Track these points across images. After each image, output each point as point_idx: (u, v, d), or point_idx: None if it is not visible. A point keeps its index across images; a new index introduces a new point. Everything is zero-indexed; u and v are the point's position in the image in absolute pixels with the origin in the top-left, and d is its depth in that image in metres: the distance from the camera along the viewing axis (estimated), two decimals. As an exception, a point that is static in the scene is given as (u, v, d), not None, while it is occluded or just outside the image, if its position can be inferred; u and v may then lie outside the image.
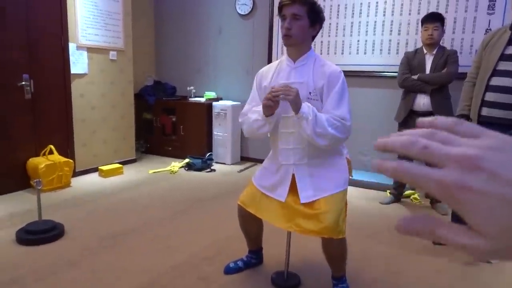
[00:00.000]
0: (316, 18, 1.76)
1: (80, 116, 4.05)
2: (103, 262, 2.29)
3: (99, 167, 4.16)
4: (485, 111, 2.29)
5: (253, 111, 1.87)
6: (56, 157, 3.66)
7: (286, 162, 1.85)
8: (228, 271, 2.21)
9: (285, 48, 1.93)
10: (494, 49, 2.29)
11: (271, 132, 1.89)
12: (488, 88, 2.26)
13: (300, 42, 1.77)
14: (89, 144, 4.19)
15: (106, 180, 3.98)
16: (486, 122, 2.25)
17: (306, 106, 1.66)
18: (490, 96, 2.26)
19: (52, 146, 3.67)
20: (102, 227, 2.79)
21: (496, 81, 2.25)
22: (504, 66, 2.23)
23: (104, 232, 2.69)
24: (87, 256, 2.36)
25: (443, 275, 2.25)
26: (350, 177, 1.95)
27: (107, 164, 4.26)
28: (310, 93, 1.76)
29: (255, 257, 2.30)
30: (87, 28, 4.02)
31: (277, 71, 1.88)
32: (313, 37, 1.84)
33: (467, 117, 2.39)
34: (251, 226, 2.13)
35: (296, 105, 1.65)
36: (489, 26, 3.55)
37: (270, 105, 1.71)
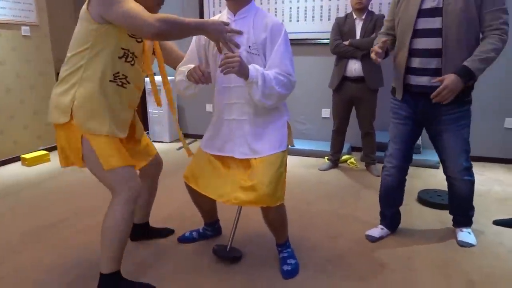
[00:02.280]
0: None
1: (-7, 101, 3.64)
2: (28, 259, 2.10)
3: (22, 156, 3.80)
4: (412, 79, 1.97)
5: (180, 71, 1.81)
6: (-33, 148, 3.29)
7: (228, 117, 1.81)
8: (181, 239, 2.23)
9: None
10: (409, 4, 1.92)
11: (214, 85, 1.84)
12: (411, 52, 1.93)
13: None
14: (7, 131, 3.79)
15: (31, 169, 3.66)
16: (414, 92, 1.99)
17: (254, 70, 1.60)
18: (415, 62, 1.93)
19: (-40, 136, 3.29)
20: (26, 221, 2.55)
21: (419, 43, 1.91)
22: (424, 23, 1.88)
23: (27, 227, 2.47)
24: (8, 255, 2.15)
25: (378, 234, 2.34)
26: (291, 146, 1.93)
27: (31, 152, 3.91)
28: (249, 46, 1.70)
29: (210, 229, 2.28)
30: (-10, 0, 3.56)
31: None
32: None
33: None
34: (201, 199, 2.06)
35: (243, 74, 1.58)
36: (413, -10, 3.62)
37: (193, 80, 1.69)
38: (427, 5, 1.87)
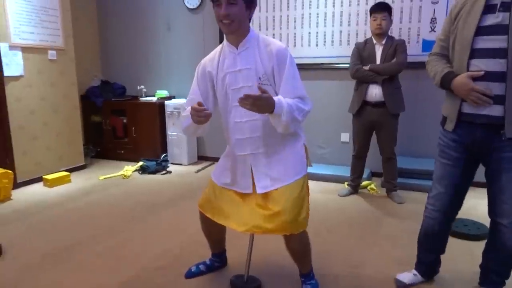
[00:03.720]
0: (249, 0, 1.64)
1: (18, 123, 3.73)
2: (46, 281, 2.09)
3: (44, 176, 3.86)
4: (469, 108, 1.69)
5: (185, 115, 1.74)
6: (-8, 168, 3.34)
7: (242, 152, 1.77)
8: (189, 275, 2.12)
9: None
10: (467, 21, 1.67)
11: (224, 124, 1.81)
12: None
13: (239, 28, 1.65)
14: (31, 152, 3.87)
15: (52, 190, 3.70)
16: (472, 123, 1.70)
17: (279, 105, 1.54)
18: None
19: (-14, 157, 3.35)
20: (46, 242, 2.56)
21: (477, 64, 1.64)
22: (483, 43, 1.62)
23: (47, 248, 2.47)
24: (28, 276, 2.15)
25: (402, 266, 2.25)
26: (309, 166, 1.88)
27: (53, 173, 3.97)
28: (260, 78, 1.67)
29: (218, 260, 2.21)
30: (21, 26, 3.69)
31: (221, 58, 1.76)
32: (250, 19, 1.73)
33: (454, 73, 1.73)
34: (213, 228, 2.03)
35: (269, 109, 1.53)
36: (434, 15, 3.62)
37: (198, 120, 1.61)
38: (488, 21, 1.61)
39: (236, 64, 1.70)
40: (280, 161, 1.76)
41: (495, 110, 1.62)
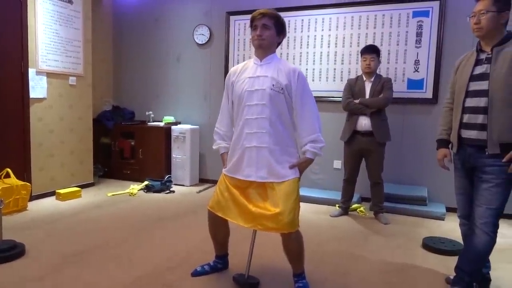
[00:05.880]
0: (280, 28, 2.18)
1: (38, 140, 4.07)
2: (68, 276, 2.36)
3: (57, 191, 4.14)
4: (464, 133, 2.23)
5: (215, 147, 2.38)
6: (13, 180, 3.64)
7: (249, 144, 2.14)
8: (195, 274, 2.41)
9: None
10: (463, 71, 2.25)
11: (237, 119, 2.22)
12: (464, 110, 2.21)
13: (268, 46, 2.15)
14: (46, 168, 4.18)
15: (64, 203, 3.98)
16: (466, 144, 2.21)
17: (313, 157, 2.16)
18: (465, 118, 2.21)
19: (9, 169, 3.65)
20: (64, 245, 2.83)
21: (469, 102, 2.20)
22: (473, 86, 2.17)
23: (66, 250, 2.74)
24: (51, 272, 2.41)
25: (384, 274, 2.54)
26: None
27: (64, 188, 4.26)
28: (273, 85, 2.10)
29: (221, 262, 2.49)
30: (48, 54, 4.10)
31: (243, 68, 2.23)
32: (278, 44, 2.23)
33: (445, 141, 2.37)
34: (219, 230, 2.35)
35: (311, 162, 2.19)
36: (417, 57, 4.08)
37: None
38: (477, 71, 2.17)
39: (256, 72, 2.15)
40: (279, 159, 2.12)
41: (482, 135, 2.12)
